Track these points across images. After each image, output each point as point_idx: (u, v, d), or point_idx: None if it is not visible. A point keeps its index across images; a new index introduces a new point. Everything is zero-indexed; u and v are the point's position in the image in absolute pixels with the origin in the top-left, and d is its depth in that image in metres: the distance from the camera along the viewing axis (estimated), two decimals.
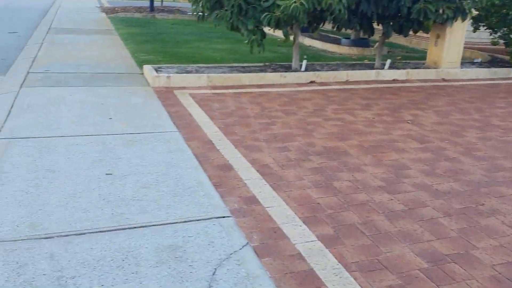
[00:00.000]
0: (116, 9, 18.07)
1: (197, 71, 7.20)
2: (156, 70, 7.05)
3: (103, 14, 16.45)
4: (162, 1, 19.35)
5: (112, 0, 25.53)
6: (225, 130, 4.90)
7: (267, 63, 8.07)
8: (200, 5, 6.86)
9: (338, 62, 8.84)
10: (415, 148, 4.64)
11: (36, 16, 15.95)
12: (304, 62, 7.55)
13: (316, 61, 8.82)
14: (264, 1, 6.53)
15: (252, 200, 3.34)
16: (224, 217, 3.08)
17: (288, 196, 3.43)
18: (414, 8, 6.91)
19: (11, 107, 5.21)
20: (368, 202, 3.40)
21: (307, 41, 11.76)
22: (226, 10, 6.59)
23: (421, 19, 6.95)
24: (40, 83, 6.30)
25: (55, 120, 4.82)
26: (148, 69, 7.08)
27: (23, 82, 6.30)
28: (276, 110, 5.77)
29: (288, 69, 7.67)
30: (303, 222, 3.05)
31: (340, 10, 6.29)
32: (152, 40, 10.92)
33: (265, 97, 6.35)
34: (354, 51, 10.50)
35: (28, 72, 6.87)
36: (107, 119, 5.01)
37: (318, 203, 3.34)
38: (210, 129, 4.91)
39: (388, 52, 10.86)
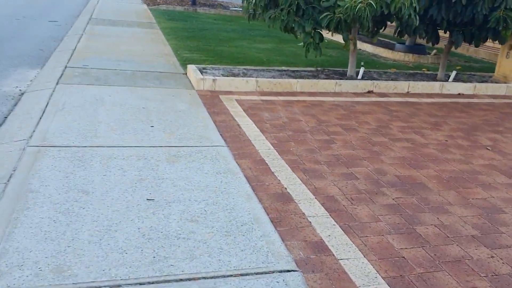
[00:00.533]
0: (158, 0, 17.72)
1: (244, 74, 6.63)
2: (201, 72, 6.52)
3: (144, 6, 16.10)
4: None
5: None
6: (278, 147, 4.31)
7: (319, 68, 7.43)
8: (253, 3, 6.27)
9: (395, 70, 8.12)
10: (504, 183, 3.93)
11: (77, 5, 15.75)
12: (362, 70, 6.87)
13: (370, 67, 8.12)
14: (324, 1, 5.89)
15: (321, 247, 2.74)
16: (289, 271, 2.49)
17: (364, 244, 2.81)
18: (492, 16, 6.13)
19: (46, 106, 4.77)
20: (463, 259, 2.75)
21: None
22: (282, 9, 5.98)
23: (500, 28, 6.17)
24: (78, 80, 5.86)
25: (92, 126, 4.34)
26: (192, 69, 6.55)
27: (60, 77, 5.87)
28: (334, 124, 5.14)
29: (342, 76, 7.01)
30: (389, 286, 2.44)
31: (409, 15, 5.59)
32: (194, 37, 10.42)
33: (319, 108, 5.73)
34: (409, 58, 9.73)
35: (65, 67, 6.46)
36: (148, 126, 4.50)
37: (403, 257, 2.71)
38: (262, 144, 4.33)
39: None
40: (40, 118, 4.41)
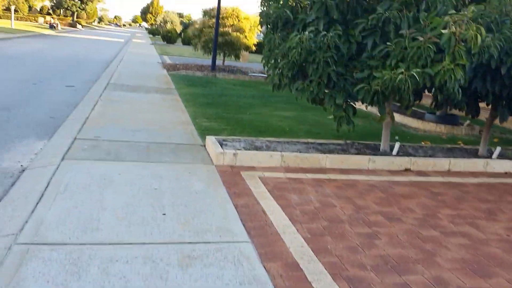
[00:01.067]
0: (178, 66, 17.72)
1: (267, 147, 6.06)
2: (221, 144, 5.97)
3: (164, 71, 16.04)
4: (223, 60, 18.90)
5: (174, 55, 25.66)
6: (313, 243, 3.63)
7: (347, 141, 6.85)
8: (278, 72, 5.81)
9: (429, 143, 7.50)
10: None
11: (97, 68, 15.76)
12: (397, 145, 6.25)
13: (401, 139, 7.51)
14: (358, 72, 5.40)
15: None
16: None
17: None
18: None
19: (46, 187, 4.20)
20: None
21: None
22: (311, 81, 5.49)
23: None
24: (86, 155, 5.34)
25: (96, 213, 3.73)
26: (211, 142, 6.02)
27: (67, 152, 5.36)
28: (373, 211, 4.46)
29: (375, 150, 6.40)
30: None
31: (453, 89, 5.04)
32: (213, 103, 10.04)
33: (354, 189, 5.07)
34: (441, 129, 9.13)
35: (75, 138, 5.97)
36: (159, 213, 3.88)
37: None
38: (293, 239, 3.65)
39: (480, 132, 9.40)
40: (37, 203, 3.83)
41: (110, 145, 5.83)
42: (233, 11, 17.33)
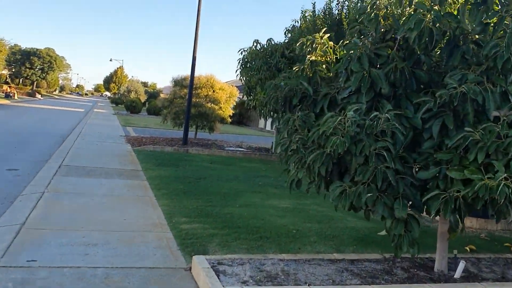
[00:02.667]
0: (144, 140, 15.85)
1: (286, 275, 4.16)
2: (217, 272, 4.05)
3: (128, 146, 14.12)
4: (196, 133, 17.18)
5: (139, 126, 23.75)
6: None
7: (389, 256, 5.01)
8: (301, 166, 4.06)
9: (491, 255, 5.80)
10: None
11: (51, 144, 13.67)
12: (461, 266, 4.46)
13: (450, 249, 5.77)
14: (418, 167, 3.72)
15: None
16: None
17: None
18: None
19: None
20: None
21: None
22: (355, 181, 3.76)
23: None
24: None
25: None
26: (201, 268, 4.09)
27: None
28: None
29: (427, 269, 4.61)
30: None
31: None
32: (191, 191, 8.13)
33: None
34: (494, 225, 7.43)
35: None
36: None
37: None
38: None
39: None
40: None
41: (49, 280, 3.79)
42: (207, 80, 15.89)
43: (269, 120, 13.60)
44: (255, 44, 13.43)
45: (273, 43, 13.27)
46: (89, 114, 32.58)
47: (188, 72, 15.28)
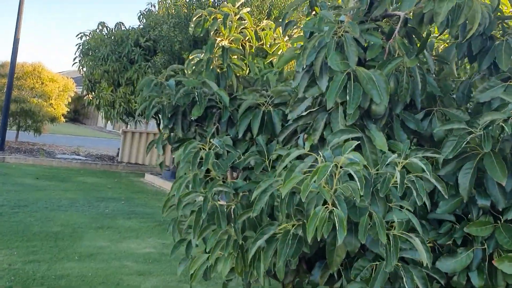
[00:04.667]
0: None
1: None
2: None
3: None
4: (17, 136, 13.47)
5: None
6: None
7: None
8: (219, 248, 2.04)
9: None
10: None
11: None
12: None
13: None
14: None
15: None
16: None
17: None
18: None
19: None
20: None
21: None
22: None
23: None
24: None
25: None
26: None
27: None
28: None
29: None
30: None
31: None
32: (3, 233, 5.41)
33: None
34: None
35: None
36: None
37: None
38: None
39: None
40: None
41: None
42: (34, 69, 12.52)
43: (114, 120, 11.04)
44: (100, 27, 10.79)
45: (123, 28, 10.81)
46: None
47: (7, 58, 11.90)
